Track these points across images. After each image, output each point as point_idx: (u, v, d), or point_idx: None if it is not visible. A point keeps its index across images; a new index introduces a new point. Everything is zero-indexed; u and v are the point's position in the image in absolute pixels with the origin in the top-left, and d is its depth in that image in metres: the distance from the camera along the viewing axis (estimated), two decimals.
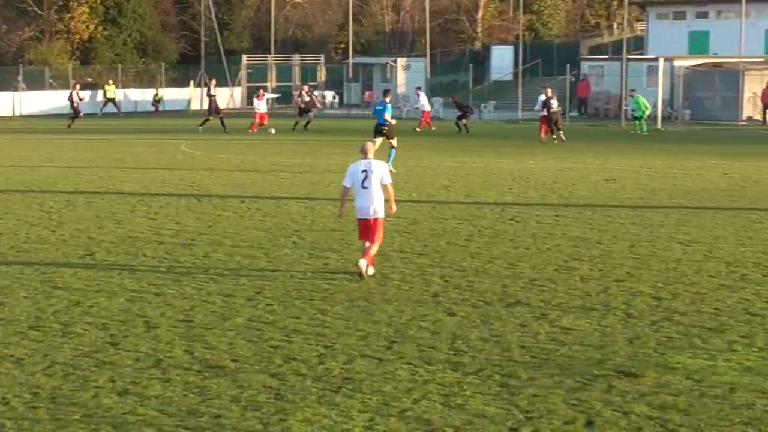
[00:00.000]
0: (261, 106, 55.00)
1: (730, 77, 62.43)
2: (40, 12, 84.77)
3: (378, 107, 36.58)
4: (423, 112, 56.37)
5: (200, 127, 53.98)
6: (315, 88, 75.77)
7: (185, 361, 12.90)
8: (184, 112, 76.85)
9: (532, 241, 21.21)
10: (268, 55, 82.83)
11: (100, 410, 11.15)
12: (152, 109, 77.04)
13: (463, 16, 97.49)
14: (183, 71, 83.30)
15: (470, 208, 25.93)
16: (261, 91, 58.10)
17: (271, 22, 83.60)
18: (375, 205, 17.75)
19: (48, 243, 21.21)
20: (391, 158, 34.22)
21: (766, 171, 34.49)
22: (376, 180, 17.68)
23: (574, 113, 66.09)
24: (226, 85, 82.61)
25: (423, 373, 12.43)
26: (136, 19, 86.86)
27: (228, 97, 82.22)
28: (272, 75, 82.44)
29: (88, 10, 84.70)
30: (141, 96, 78.81)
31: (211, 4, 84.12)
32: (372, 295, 16.51)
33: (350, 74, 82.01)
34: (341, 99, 79.46)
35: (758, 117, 61.81)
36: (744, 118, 61.14)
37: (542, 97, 48.41)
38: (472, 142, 48.61)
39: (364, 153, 18.04)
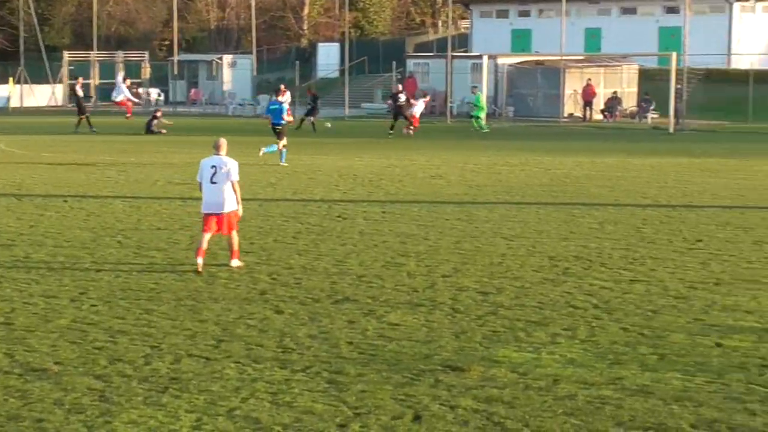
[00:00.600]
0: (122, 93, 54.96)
1: (552, 75, 63.75)
2: None
3: (272, 106, 36.52)
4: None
5: (77, 128, 52.56)
6: (139, 85, 74.85)
7: (5, 365, 12.58)
8: (4, 110, 75.02)
9: (359, 238, 21.32)
10: (91, 52, 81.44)
11: None
12: None
13: (289, 14, 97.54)
14: (2, 68, 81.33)
15: (297, 206, 25.95)
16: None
17: (93, 17, 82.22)
18: (222, 199, 17.90)
19: None
20: (283, 156, 35.44)
21: (587, 167, 35.32)
22: (224, 176, 17.89)
23: None
24: (47, 82, 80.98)
25: (251, 371, 12.39)
26: None
27: (49, 94, 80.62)
28: (95, 72, 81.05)
29: None
30: None
31: None
32: (199, 293, 16.39)
33: (175, 71, 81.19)
34: (167, 96, 78.61)
35: (579, 114, 63.24)
36: (565, 115, 62.48)
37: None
38: (299, 139, 48.57)
39: (216, 149, 18.15)
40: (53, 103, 79.64)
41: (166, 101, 77.82)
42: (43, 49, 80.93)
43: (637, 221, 23.39)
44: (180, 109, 72.08)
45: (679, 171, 33.82)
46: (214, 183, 17.92)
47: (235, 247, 18.40)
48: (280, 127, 35.88)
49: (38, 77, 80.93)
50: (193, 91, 79.26)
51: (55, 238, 21.23)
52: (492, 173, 33.33)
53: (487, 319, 14.76)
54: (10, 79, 78.49)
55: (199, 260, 17.94)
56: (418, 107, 52.27)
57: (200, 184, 18.25)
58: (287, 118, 36.21)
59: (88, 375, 12.18)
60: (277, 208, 25.45)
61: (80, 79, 56.68)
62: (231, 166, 18.03)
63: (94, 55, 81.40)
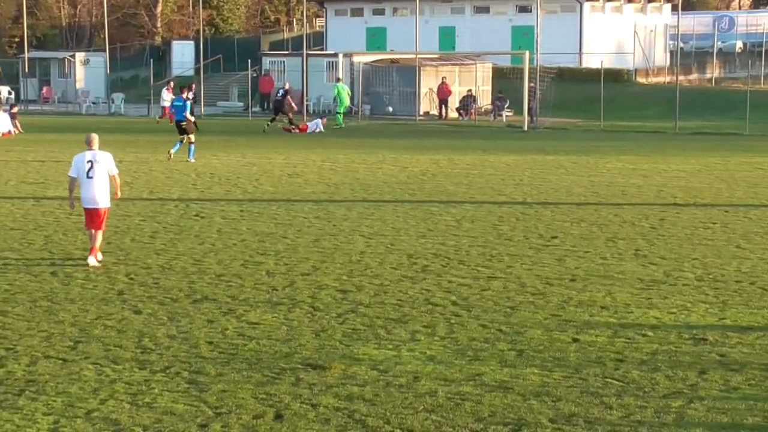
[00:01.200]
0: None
1: (407, 73, 64.14)
2: None
3: (177, 103, 36.56)
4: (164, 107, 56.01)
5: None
6: None
7: None
8: None
9: (217, 237, 21.21)
10: None
11: None
12: None
13: (142, 11, 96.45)
14: None
15: (154, 205, 25.70)
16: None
17: None
18: (101, 194, 18.25)
19: None
20: (191, 152, 35.64)
21: (443, 165, 35.62)
22: (101, 170, 18.15)
23: (257, 108, 66.40)
24: None
25: (110, 372, 12.26)
26: None
27: None
28: None
29: None
30: None
31: None
32: (55, 294, 16.14)
33: (26, 69, 79.65)
34: (17, 95, 77.10)
35: (435, 112, 63.74)
36: (421, 113, 62.94)
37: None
38: (149, 138, 48.11)
39: (89, 144, 18.34)
40: None
41: (17, 100, 76.31)
42: None
43: (494, 218, 23.69)
44: (32, 107, 70.74)
45: (534, 168, 34.35)
46: (91, 178, 18.09)
47: (98, 244, 18.39)
48: (184, 123, 36.15)
49: None
50: (45, 89, 77.84)
51: None
52: (349, 171, 33.43)
53: (347, 317, 14.82)
54: None
55: (92, 260, 18.12)
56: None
57: (72, 179, 18.30)
58: (189, 116, 36.17)
59: None
60: (133, 208, 25.17)
61: None
62: (108, 159, 18.31)
63: None
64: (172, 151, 36.17)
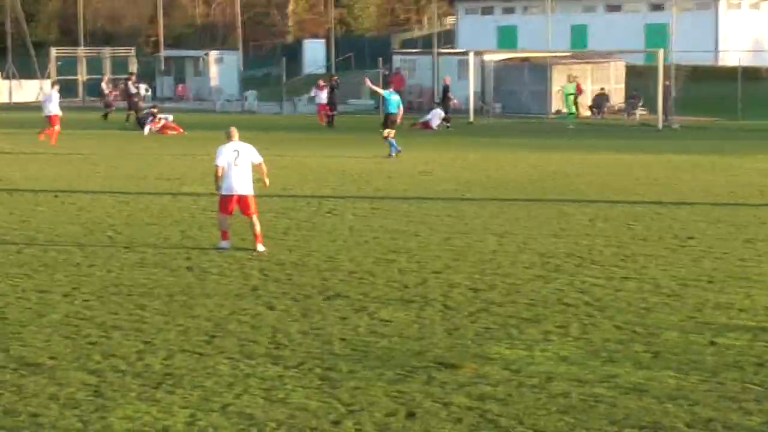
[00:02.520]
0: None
1: (539, 71, 63.77)
2: None
3: (387, 96, 36.87)
4: (320, 105, 56.10)
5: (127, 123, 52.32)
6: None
7: (0, 360, 12.58)
8: None
9: (349, 234, 21.32)
10: (78, 48, 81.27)
11: None
12: None
13: (274, 10, 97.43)
14: None
15: (287, 202, 25.93)
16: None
17: (78, 13, 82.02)
18: (246, 182, 19.27)
19: None
20: (395, 147, 36.44)
21: (576, 163, 35.35)
22: (245, 159, 19.16)
23: None
24: (35, 77, 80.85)
25: (244, 367, 12.38)
26: None
27: (37, 89, 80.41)
28: (82, 68, 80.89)
29: None
30: None
31: None
32: (191, 289, 16.37)
33: (162, 67, 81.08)
34: (154, 92, 78.47)
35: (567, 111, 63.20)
36: (553, 111, 62.51)
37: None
38: (287, 134, 48.61)
39: (229, 136, 19.37)
40: (41, 99, 79.38)
41: (153, 97, 77.69)
42: (30, 45, 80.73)
43: (628, 218, 23.42)
44: (167, 105, 71.91)
45: (669, 168, 33.88)
46: (237, 166, 19.08)
47: (258, 230, 19.27)
48: (394, 116, 36.79)
49: (26, 73, 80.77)
50: (180, 87, 79.13)
51: (47, 233, 21.20)
52: (480, 169, 33.34)
53: (479, 316, 14.76)
54: None
55: (225, 244, 19.21)
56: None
57: (219, 168, 19.18)
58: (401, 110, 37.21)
59: (83, 370, 12.18)
60: (266, 204, 25.38)
61: (106, 77, 56.21)
62: (251, 149, 19.45)
63: (81, 50, 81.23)
64: (393, 153, 36.25)
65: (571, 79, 61.22)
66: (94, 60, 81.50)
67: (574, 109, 59.77)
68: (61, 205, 25.04)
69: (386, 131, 36.66)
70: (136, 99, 53.83)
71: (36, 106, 74.24)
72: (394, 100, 37.12)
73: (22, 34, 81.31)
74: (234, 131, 19.50)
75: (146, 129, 49.54)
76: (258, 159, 19.48)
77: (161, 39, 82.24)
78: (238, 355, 12.83)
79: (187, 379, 11.89)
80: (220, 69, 78.54)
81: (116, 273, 17.51)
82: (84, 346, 13.20)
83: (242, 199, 19.32)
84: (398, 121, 37.33)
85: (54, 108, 43.69)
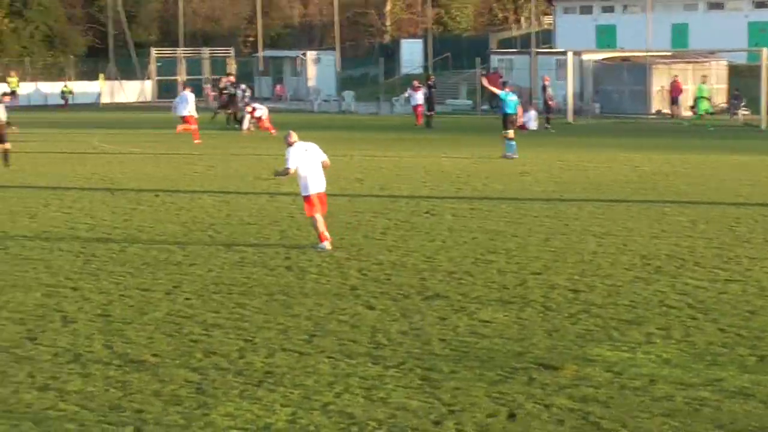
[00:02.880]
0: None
1: (638, 71, 63.17)
2: None
3: (504, 97, 36.82)
4: (415, 106, 55.77)
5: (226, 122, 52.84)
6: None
7: (105, 356, 12.76)
8: (95, 105, 76.04)
9: (448, 234, 21.28)
10: (177, 48, 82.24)
11: (20, 406, 11.00)
12: (62, 102, 76.09)
13: (372, 10, 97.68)
14: (92, 64, 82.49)
15: (385, 201, 25.97)
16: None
17: (179, 14, 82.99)
18: (322, 179, 19.50)
19: None
20: (514, 148, 36.31)
21: (676, 164, 34.96)
22: (316, 158, 19.43)
23: (485, 106, 66.41)
24: (135, 78, 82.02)
25: (344, 366, 12.41)
26: (42, 12, 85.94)
27: (138, 90, 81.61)
28: (182, 68, 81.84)
29: None
30: (50, 89, 77.83)
31: None
32: (290, 288, 16.46)
33: (260, 67, 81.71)
34: (252, 92, 79.14)
35: (667, 110, 62.55)
36: (653, 111, 61.88)
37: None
38: (384, 134, 48.70)
39: (290, 139, 19.44)
40: (142, 99, 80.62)
41: (252, 97, 78.32)
42: (131, 46, 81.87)
43: (730, 220, 23.08)
44: (266, 105, 72.42)
45: None
46: (311, 165, 19.32)
47: (325, 227, 19.44)
48: (513, 117, 36.80)
49: (127, 73, 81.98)
50: (278, 87, 79.71)
51: (149, 232, 21.47)
52: (579, 170, 33.11)
53: (580, 318, 14.64)
54: (101, 75, 79.60)
55: (325, 245, 19.39)
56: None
57: (289, 171, 19.33)
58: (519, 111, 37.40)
59: (185, 367, 12.31)
60: (365, 204, 25.50)
61: (231, 77, 56.57)
62: (317, 148, 19.63)
63: (181, 51, 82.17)
64: (510, 154, 36.21)
65: (704, 80, 60.22)
66: (193, 60, 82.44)
67: (710, 109, 58.56)
68: (161, 205, 25.35)
69: (508, 132, 36.45)
70: (235, 100, 54.16)
71: (136, 107, 75.46)
72: (511, 100, 36.90)
73: (123, 35, 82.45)
74: (293, 134, 19.56)
75: (245, 124, 49.89)
76: (324, 156, 19.65)
77: (260, 39, 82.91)
78: (338, 355, 12.87)
79: (287, 378, 11.95)
80: (317, 69, 78.99)
81: (217, 272, 17.67)
82: (186, 343, 13.34)
83: (320, 197, 19.52)
84: (517, 122, 37.25)
85: (189, 109, 44.55)
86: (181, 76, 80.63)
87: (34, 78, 78.29)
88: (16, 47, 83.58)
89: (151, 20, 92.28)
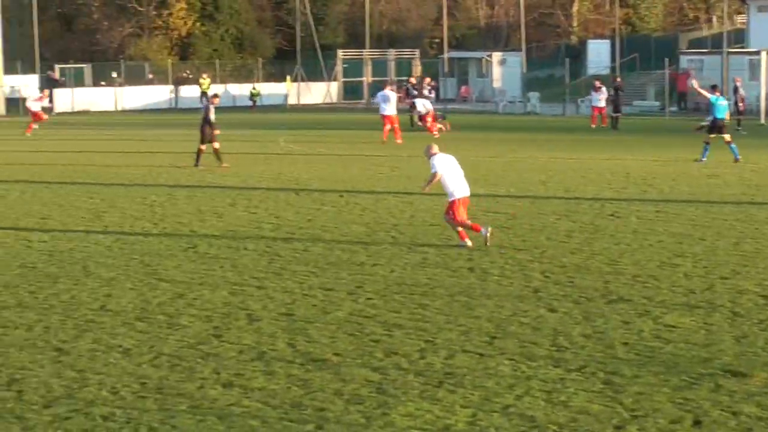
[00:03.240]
0: None
1: None
2: (139, 8, 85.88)
3: (714, 101, 36.06)
4: (595, 107, 54.92)
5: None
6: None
7: (288, 354, 12.94)
8: (282, 107, 77.35)
9: (633, 237, 20.95)
10: (363, 50, 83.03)
11: (205, 401, 11.24)
12: (250, 104, 77.59)
13: (558, 10, 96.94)
14: (279, 66, 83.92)
15: (569, 204, 25.72)
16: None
17: (365, 16, 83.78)
18: (466, 184, 20.22)
19: (151, 236, 21.46)
20: (736, 151, 35.21)
21: None
22: (457, 165, 20.25)
23: (674, 108, 65.25)
24: (322, 80, 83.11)
25: (525, 369, 12.33)
26: (232, 15, 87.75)
27: (324, 92, 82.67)
28: (368, 69, 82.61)
29: (185, 6, 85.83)
30: (239, 91, 79.44)
31: None
32: (472, 290, 16.43)
33: (446, 69, 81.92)
34: (437, 93, 79.43)
35: None
36: None
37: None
38: (569, 136, 48.28)
39: (434, 150, 20.31)
40: (328, 101, 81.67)
41: (437, 98, 78.66)
42: (318, 48, 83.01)
43: None
44: (450, 106, 72.64)
45: None
46: (457, 171, 20.13)
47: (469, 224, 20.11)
48: (723, 122, 35.82)
49: (314, 75, 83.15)
50: (463, 88, 79.81)
51: (332, 232, 21.70)
52: None
53: None
54: (288, 77, 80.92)
55: (468, 241, 19.94)
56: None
57: (437, 175, 20.04)
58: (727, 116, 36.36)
59: (366, 367, 12.39)
60: (548, 206, 25.30)
61: (412, 80, 56.66)
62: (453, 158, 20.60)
63: (367, 53, 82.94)
64: (704, 159, 35.58)
65: None
66: (378, 62, 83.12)
67: None
68: (345, 205, 25.58)
69: (724, 136, 35.44)
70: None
71: (322, 108, 76.49)
72: (721, 105, 35.94)
73: (310, 37, 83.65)
74: (434, 146, 20.53)
75: (435, 126, 49.97)
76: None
77: (445, 40, 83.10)
78: (519, 357, 12.79)
79: (468, 379, 11.93)
80: (503, 70, 78.78)
81: (399, 272, 17.75)
82: (367, 343, 13.43)
83: (464, 201, 20.12)
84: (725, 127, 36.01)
85: (390, 108, 44.66)
86: (367, 78, 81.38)
87: (224, 80, 80.00)
88: (207, 50, 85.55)
89: (338, 22, 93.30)
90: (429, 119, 48.05)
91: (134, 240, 20.99)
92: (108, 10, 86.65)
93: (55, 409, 11.05)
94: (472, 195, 20.44)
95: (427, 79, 59.01)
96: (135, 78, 78.58)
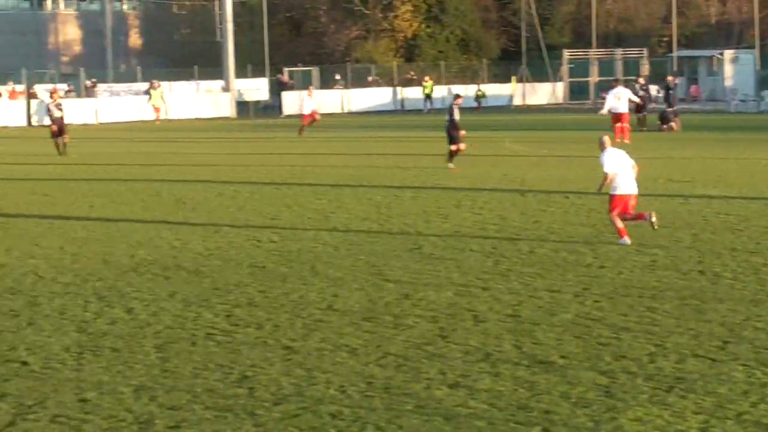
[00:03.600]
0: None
1: None
2: (366, 11, 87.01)
3: None
4: None
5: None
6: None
7: (514, 356, 12.85)
8: (507, 108, 77.23)
9: None
10: (590, 50, 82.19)
11: (431, 402, 11.24)
12: (475, 105, 77.68)
13: None
14: (504, 67, 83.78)
15: None
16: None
17: (591, 16, 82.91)
18: (634, 182, 20.36)
19: (377, 236, 21.64)
20: None
21: None
22: (629, 162, 20.34)
23: None
24: (547, 80, 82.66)
25: (760, 375, 11.93)
26: (457, 16, 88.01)
27: (550, 92, 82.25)
28: (594, 69, 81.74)
29: (411, 8, 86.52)
30: (464, 92, 79.63)
31: None
32: (703, 293, 16.01)
33: (674, 68, 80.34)
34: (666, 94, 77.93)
35: None
36: None
37: None
38: None
39: (607, 144, 20.46)
40: (553, 101, 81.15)
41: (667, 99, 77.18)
42: (543, 48, 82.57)
43: None
44: (679, 106, 71.17)
45: None
46: (626, 169, 20.24)
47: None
48: None
49: (539, 76, 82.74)
50: (692, 87, 78.16)
51: (558, 234, 21.48)
52: None
53: None
54: (513, 78, 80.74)
55: (626, 240, 20.02)
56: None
57: (609, 175, 20.06)
58: None
59: (593, 370, 12.20)
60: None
61: (640, 80, 55.94)
62: (625, 154, 20.72)
63: (593, 53, 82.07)
64: None
65: None
66: (605, 62, 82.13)
67: None
68: (571, 206, 25.28)
69: None
70: (644, 102, 53.17)
71: (548, 109, 76.06)
72: None
73: (536, 38, 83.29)
74: (607, 140, 20.58)
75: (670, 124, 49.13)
76: (632, 161, 20.48)
77: (674, 39, 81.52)
78: (754, 363, 12.39)
79: (699, 384, 11.62)
80: (735, 68, 76.80)
81: (626, 274, 17.44)
82: (594, 346, 13.23)
83: (633, 198, 20.34)
84: None
85: (622, 106, 44.23)
86: (593, 78, 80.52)
87: (449, 81, 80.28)
88: (433, 51, 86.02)
89: (564, 22, 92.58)
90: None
91: (360, 240, 21.21)
92: (335, 14, 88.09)
93: (284, 406, 11.22)
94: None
95: (640, 80, 57.48)
96: (359, 80, 79.59)
